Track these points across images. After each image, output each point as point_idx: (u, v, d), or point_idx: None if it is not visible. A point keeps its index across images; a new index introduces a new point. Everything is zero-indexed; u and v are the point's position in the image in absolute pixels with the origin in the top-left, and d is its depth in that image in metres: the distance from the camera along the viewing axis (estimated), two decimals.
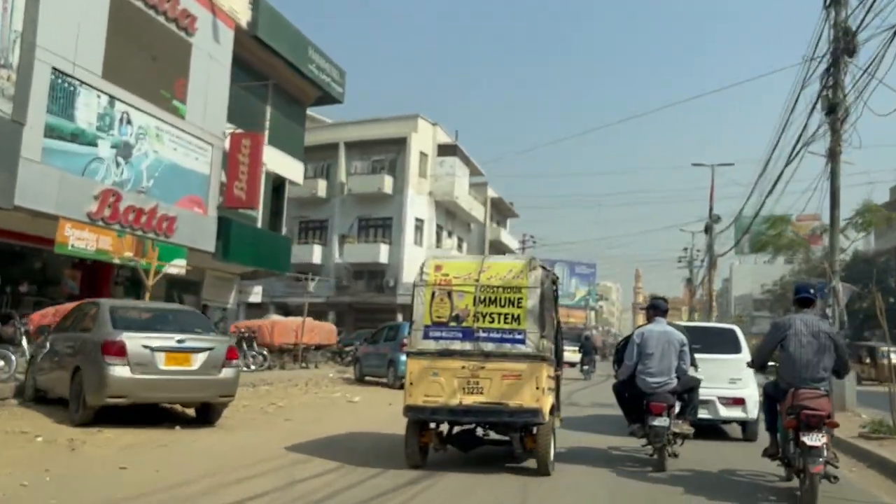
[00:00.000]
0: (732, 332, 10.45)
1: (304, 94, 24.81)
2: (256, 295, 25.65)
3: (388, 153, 39.58)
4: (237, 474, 6.24)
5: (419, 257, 38.10)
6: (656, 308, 8.07)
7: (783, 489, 6.56)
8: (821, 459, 5.63)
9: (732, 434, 10.32)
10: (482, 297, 6.77)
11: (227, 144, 19.23)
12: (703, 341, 9.25)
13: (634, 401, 7.63)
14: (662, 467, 7.18)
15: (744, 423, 9.86)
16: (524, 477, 6.69)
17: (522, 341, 6.67)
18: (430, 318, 6.88)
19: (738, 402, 9.62)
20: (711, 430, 10.01)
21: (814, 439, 5.63)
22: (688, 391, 7.76)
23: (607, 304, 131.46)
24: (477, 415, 6.73)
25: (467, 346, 6.76)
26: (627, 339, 8.00)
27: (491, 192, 52.41)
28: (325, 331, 22.84)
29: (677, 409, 7.58)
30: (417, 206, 39.24)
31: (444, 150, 40.84)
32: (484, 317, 6.73)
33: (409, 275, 37.69)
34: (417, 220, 39.54)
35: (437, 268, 7.10)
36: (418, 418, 6.84)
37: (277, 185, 24.07)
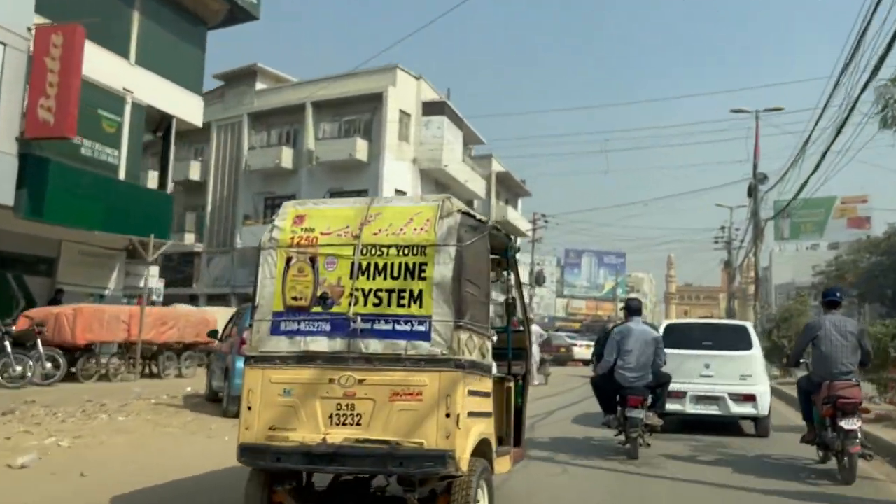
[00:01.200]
0: (744, 328, 10.55)
1: (205, 7, 18.53)
2: (153, 279, 19.31)
3: (361, 113, 33.15)
4: None
5: None
6: (629, 308, 8.54)
7: (821, 469, 7.23)
8: (857, 441, 6.52)
9: (747, 430, 10.20)
10: (364, 265, 4.30)
11: (31, 45, 12.99)
12: (714, 338, 10.06)
13: (611, 393, 8.04)
14: (635, 455, 7.61)
15: (755, 420, 9.85)
16: None
17: (426, 335, 4.16)
18: (281, 300, 4.37)
19: (749, 398, 9.54)
20: (724, 427, 10.12)
21: (850, 423, 6.52)
22: (660, 386, 8.26)
23: (640, 295, 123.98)
24: (347, 460, 4.12)
25: (338, 345, 4.24)
26: (606, 336, 8.52)
27: (497, 166, 45.71)
28: (193, 322, 15.31)
29: (649, 403, 8.10)
30: (398, 175, 32.70)
31: (430, 108, 34.23)
32: (366, 296, 4.26)
33: None
34: (398, 192, 33.06)
35: (298, 219, 4.59)
36: (259, 466, 4.25)
37: (160, 125, 17.82)
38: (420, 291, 4.22)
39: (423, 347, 4.16)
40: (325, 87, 33.86)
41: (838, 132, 12.82)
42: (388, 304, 4.25)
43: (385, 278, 4.29)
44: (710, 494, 6.24)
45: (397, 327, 4.22)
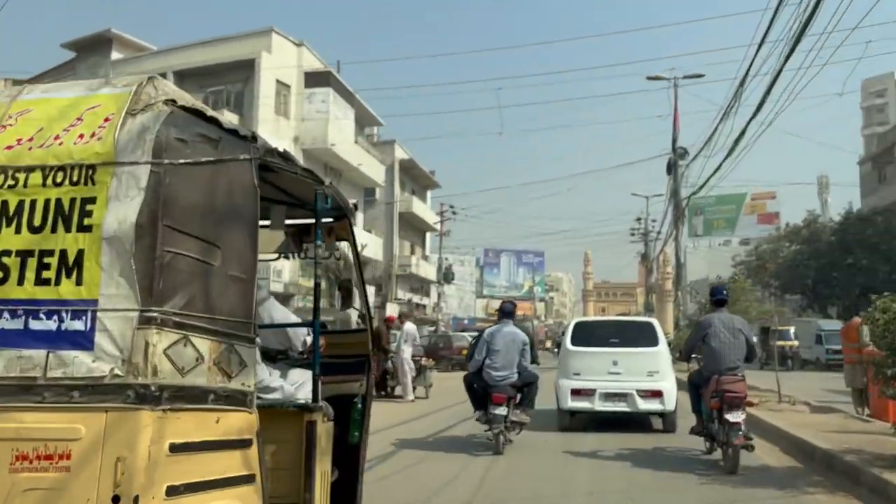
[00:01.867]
0: (650, 325, 10.62)
1: None
2: None
3: (230, 83, 28.51)
4: None
5: None
6: (503, 311, 8.94)
7: (707, 460, 7.58)
8: (741, 433, 6.81)
9: (656, 426, 10.21)
10: None
11: None
12: (621, 336, 10.20)
13: (481, 391, 8.36)
14: (499, 450, 7.93)
15: (663, 415, 9.88)
16: None
17: (86, 340, 2.40)
18: None
19: (657, 394, 9.61)
20: (636, 423, 10.14)
21: (735, 416, 6.85)
22: (527, 385, 8.55)
23: (559, 294, 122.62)
24: None
25: None
26: (479, 338, 8.80)
27: (400, 153, 41.74)
28: None
29: (518, 400, 8.42)
30: None
31: (314, 79, 29.88)
32: None
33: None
34: None
35: None
36: None
37: None
38: (79, 254, 2.43)
39: (80, 363, 2.36)
40: (189, 54, 29.05)
41: (761, 104, 12.36)
42: (20, 281, 2.45)
43: (17, 230, 2.49)
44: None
45: (31, 324, 2.40)
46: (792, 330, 28.51)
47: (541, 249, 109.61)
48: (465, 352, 30.22)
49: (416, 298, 44.28)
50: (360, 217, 36.18)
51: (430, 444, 8.92)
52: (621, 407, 9.71)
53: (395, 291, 40.24)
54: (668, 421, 9.81)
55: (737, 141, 15.46)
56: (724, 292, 8.09)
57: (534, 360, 8.78)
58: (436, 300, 43.85)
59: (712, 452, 7.56)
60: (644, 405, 9.66)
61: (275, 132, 28.29)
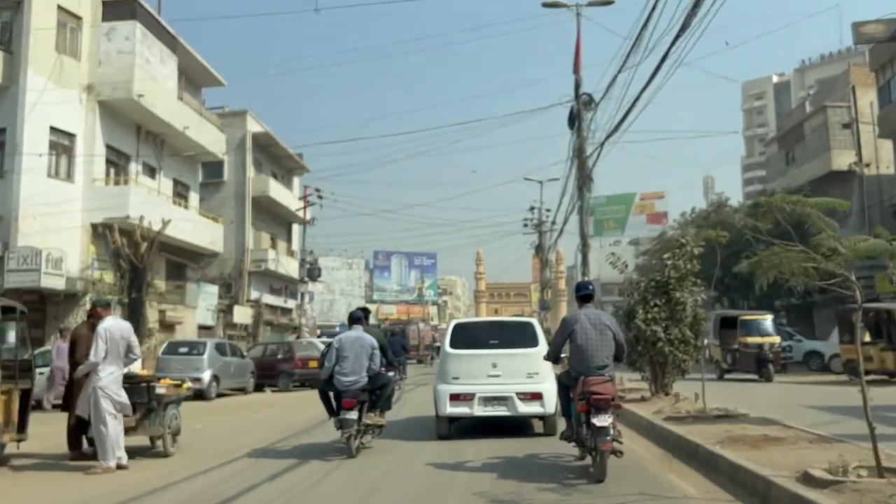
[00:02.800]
0: (530, 325, 10.26)
1: None
2: None
3: None
4: None
5: (62, 201, 20.00)
6: (351, 317, 9.12)
7: (579, 467, 7.15)
8: (608, 437, 6.39)
9: (537, 429, 9.84)
10: None
11: None
12: (501, 336, 9.81)
13: (334, 398, 8.53)
14: (352, 453, 8.13)
15: (543, 418, 9.54)
16: None
17: None
18: None
19: (536, 396, 9.29)
20: (516, 427, 9.91)
21: (602, 420, 6.39)
22: (379, 388, 8.71)
23: (452, 298, 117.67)
24: None
25: None
26: (329, 345, 8.92)
27: (254, 125, 34.90)
28: None
29: (371, 404, 8.64)
30: (59, 108, 20.80)
31: (115, 10, 22.73)
32: None
33: (34, 232, 19.78)
34: (58, 133, 21.28)
35: None
36: None
37: None
38: None
39: None
40: None
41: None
42: None
43: None
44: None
45: None
46: (769, 321, 21.48)
47: (433, 251, 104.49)
48: (313, 363, 23.38)
49: (278, 301, 37.43)
50: (194, 198, 29.09)
51: (289, 451, 8.95)
52: (501, 411, 9.37)
53: (247, 292, 33.30)
54: (548, 424, 9.44)
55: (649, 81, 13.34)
56: (591, 287, 7.64)
57: (391, 363, 9.53)
58: (303, 302, 37.05)
59: (584, 458, 7.18)
60: (524, 408, 9.33)
61: (59, 77, 21.09)
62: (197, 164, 28.93)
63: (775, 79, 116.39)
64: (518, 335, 9.77)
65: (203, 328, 28.30)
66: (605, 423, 6.36)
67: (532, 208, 44.07)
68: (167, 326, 25.22)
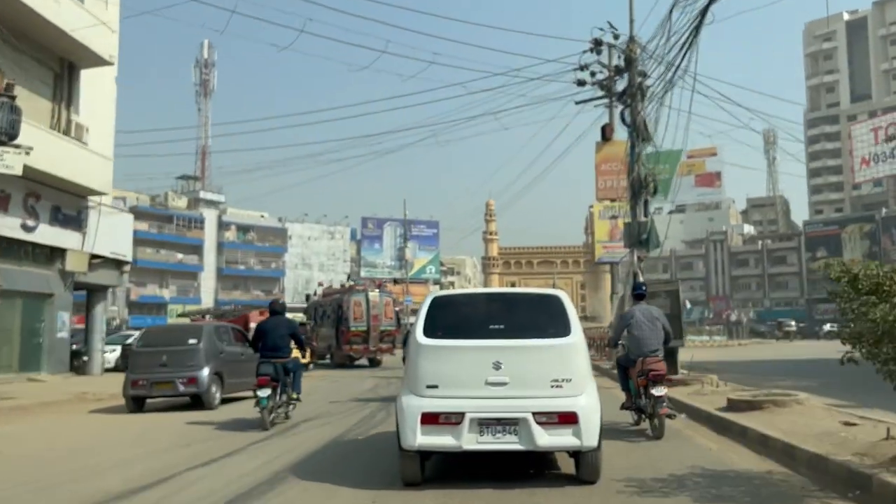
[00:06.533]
0: (556, 301, 6.29)
1: None
2: None
3: None
4: None
5: None
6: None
7: (636, 430, 8.86)
8: (665, 404, 8.19)
9: (565, 469, 6.45)
10: None
11: None
12: (508, 319, 6.24)
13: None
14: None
15: (577, 455, 5.96)
16: None
17: None
18: None
19: (568, 419, 5.70)
20: (531, 466, 6.61)
21: (658, 390, 8.16)
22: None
23: (460, 279, 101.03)
24: None
25: None
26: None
27: None
28: None
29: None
30: None
31: None
32: None
33: None
34: None
35: None
36: None
37: None
38: None
39: None
40: None
41: None
42: None
43: None
44: None
45: None
46: None
47: (434, 219, 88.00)
48: None
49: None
50: None
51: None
52: (508, 443, 5.72)
53: None
54: (585, 463, 5.91)
55: None
56: (644, 288, 9.66)
57: (302, 346, 10.96)
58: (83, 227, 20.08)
59: (640, 424, 8.90)
60: (547, 438, 5.68)
61: None
62: None
63: (846, 16, 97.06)
64: (536, 317, 6.19)
65: None
66: (661, 393, 8.17)
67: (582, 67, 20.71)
68: None
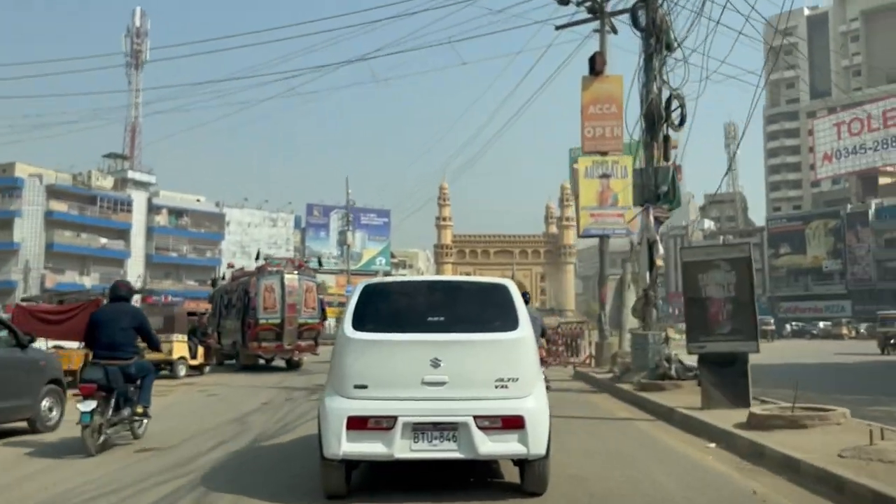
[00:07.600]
0: (503, 290, 5.75)
1: None
2: None
3: None
4: None
5: None
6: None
7: None
8: None
9: (509, 476, 5.94)
10: None
11: None
12: (449, 309, 5.69)
13: None
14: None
15: (522, 463, 5.43)
16: None
17: None
18: None
19: (513, 423, 5.20)
20: (470, 474, 6.03)
21: None
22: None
23: (413, 272, 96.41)
24: None
25: None
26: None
27: None
28: None
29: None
30: None
31: None
32: None
33: None
34: None
35: None
36: None
37: None
38: None
39: None
40: None
41: None
42: None
43: None
44: None
45: None
46: None
47: (386, 209, 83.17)
48: None
49: None
50: None
51: None
52: (446, 451, 5.17)
53: None
54: (532, 472, 5.37)
55: None
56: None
57: (154, 344, 8.60)
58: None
59: None
60: (488, 446, 5.15)
61: None
62: None
63: (807, 11, 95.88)
64: (481, 309, 5.66)
65: None
66: None
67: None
68: None
